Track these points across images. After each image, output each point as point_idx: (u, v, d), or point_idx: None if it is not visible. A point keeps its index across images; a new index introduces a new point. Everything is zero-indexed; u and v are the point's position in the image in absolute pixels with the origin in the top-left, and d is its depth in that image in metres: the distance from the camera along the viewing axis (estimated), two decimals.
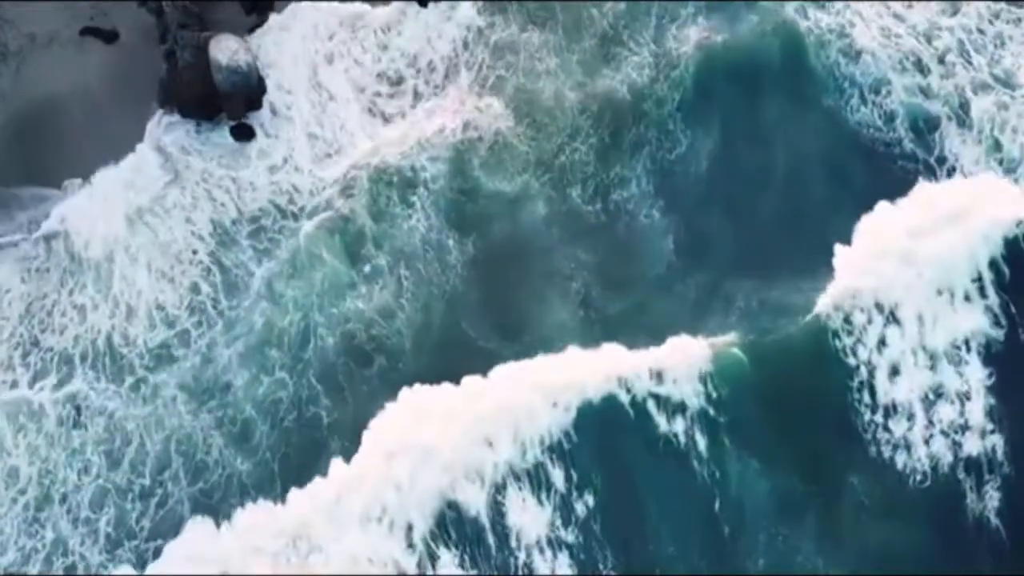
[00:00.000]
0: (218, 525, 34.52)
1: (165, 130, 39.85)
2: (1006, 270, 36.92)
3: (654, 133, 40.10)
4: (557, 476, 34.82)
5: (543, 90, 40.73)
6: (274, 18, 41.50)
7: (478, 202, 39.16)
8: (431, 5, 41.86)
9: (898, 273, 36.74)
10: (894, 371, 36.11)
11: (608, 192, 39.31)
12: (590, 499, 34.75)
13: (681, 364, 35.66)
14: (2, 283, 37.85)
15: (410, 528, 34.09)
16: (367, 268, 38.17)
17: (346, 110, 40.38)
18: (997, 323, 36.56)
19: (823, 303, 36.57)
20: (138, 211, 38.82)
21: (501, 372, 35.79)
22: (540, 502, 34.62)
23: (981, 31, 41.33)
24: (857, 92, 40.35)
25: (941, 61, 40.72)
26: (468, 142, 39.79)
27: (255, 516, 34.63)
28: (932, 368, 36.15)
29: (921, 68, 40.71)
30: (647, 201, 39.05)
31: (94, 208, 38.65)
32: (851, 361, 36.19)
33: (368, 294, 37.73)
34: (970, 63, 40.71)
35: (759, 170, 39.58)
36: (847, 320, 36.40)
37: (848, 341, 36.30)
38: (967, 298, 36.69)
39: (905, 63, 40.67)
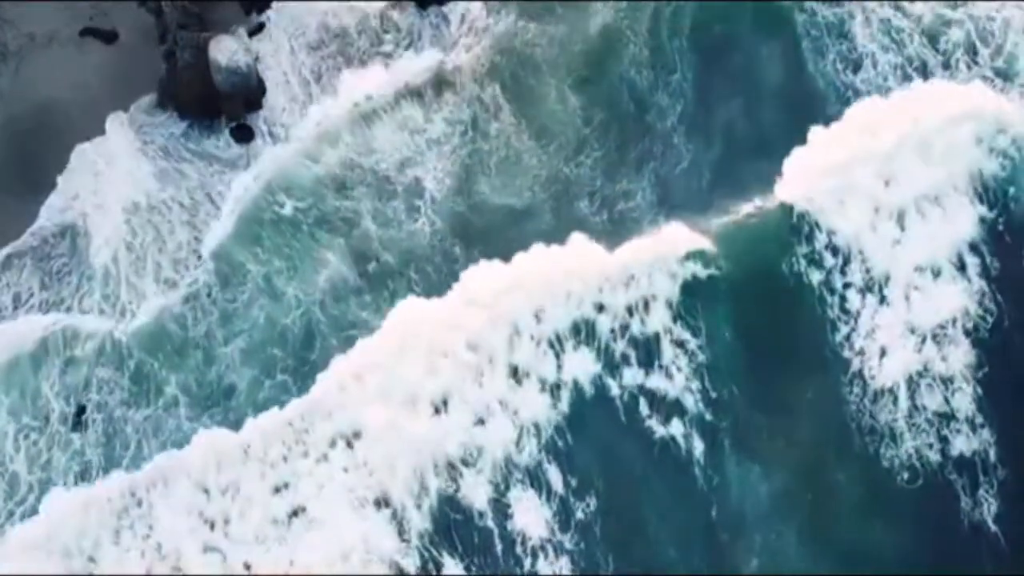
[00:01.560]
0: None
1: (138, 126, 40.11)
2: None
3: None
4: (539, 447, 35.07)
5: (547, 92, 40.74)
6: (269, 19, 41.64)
7: (483, 214, 39.05)
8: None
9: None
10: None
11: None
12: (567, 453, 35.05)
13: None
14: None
15: (404, 508, 34.34)
16: (371, 268, 38.13)
17: (341, 114, 40.12)
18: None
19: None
20: (135, 206, 39.02)
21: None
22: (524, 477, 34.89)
23: (990, 18, 40.79)
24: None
25: (946, 66, 40.54)
26: (474, 154, 39.73)
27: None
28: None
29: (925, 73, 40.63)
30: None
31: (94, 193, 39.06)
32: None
33: (375, 301, 37.72)
34: (975, 61, 40.47)
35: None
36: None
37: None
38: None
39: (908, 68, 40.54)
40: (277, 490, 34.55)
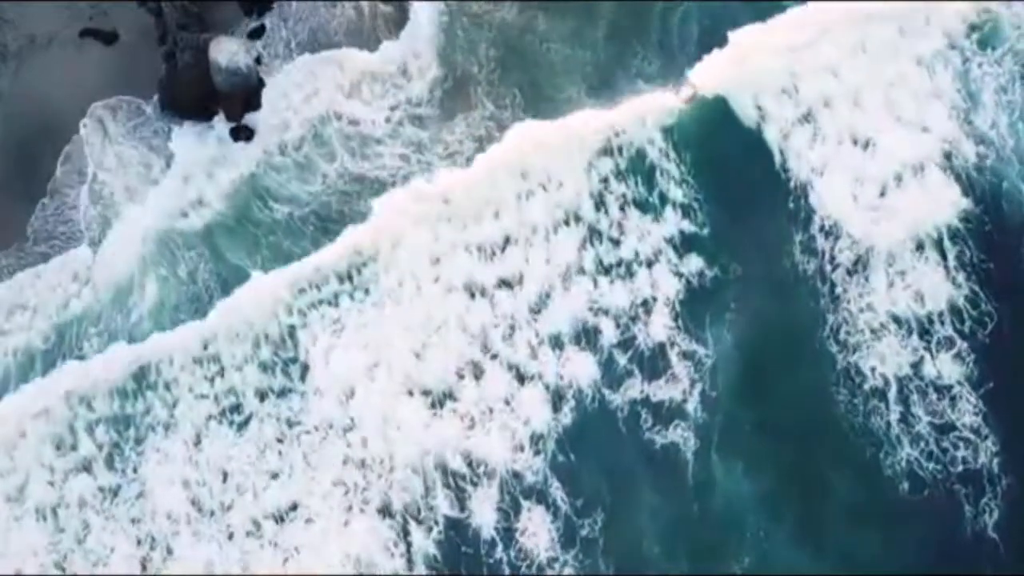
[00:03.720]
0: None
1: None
2: None
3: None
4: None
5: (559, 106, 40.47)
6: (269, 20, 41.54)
7: None
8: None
9: None
10: None
11: None
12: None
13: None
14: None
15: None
16: None
17: (342, 116, 40.20)
18: None
19: None
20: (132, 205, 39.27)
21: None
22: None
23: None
24: None
25: None
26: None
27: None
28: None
29: None
30: None
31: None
32: None
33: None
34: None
35: None
36: None
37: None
38: None
39: None
40: (275, 476, 34.96)
